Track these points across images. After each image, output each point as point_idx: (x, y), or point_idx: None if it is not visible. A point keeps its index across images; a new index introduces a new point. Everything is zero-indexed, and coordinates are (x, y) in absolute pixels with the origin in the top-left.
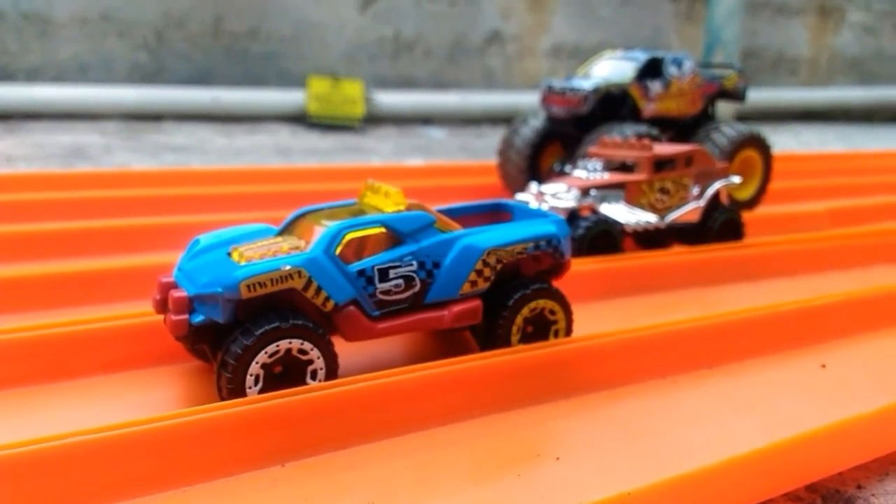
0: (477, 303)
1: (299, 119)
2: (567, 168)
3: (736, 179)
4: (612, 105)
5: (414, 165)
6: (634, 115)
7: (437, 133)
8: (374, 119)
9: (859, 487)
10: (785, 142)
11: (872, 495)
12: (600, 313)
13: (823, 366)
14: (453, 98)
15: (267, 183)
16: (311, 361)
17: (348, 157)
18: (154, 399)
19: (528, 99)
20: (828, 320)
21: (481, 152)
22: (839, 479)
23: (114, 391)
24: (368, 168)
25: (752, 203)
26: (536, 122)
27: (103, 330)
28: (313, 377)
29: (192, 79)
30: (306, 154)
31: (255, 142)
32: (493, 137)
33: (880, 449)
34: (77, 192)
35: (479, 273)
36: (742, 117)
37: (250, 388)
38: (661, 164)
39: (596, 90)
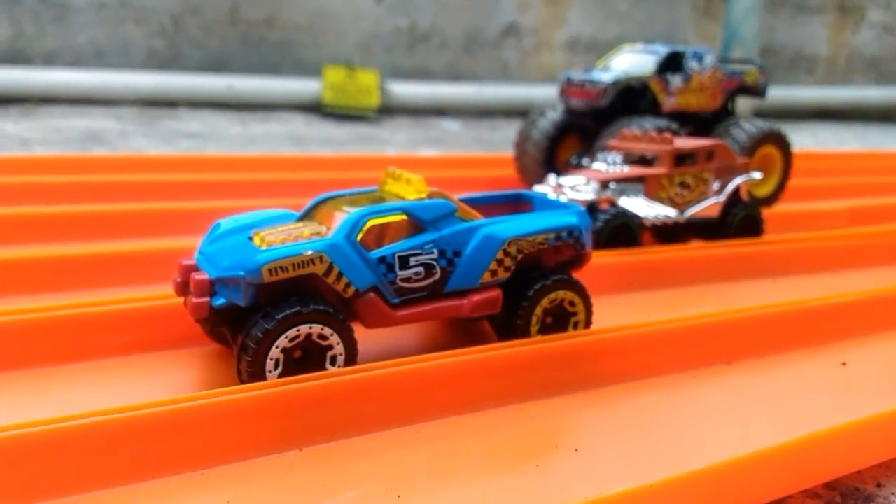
0: (497, 292)
1: (314, 108)
2: (584, 161)
3: (757, 175)
4: (632, 98)
5: (428, 156)
6: (654, 108)
7: (451, 125)
8: (389, 110)
9: (879, 486)
10: (802, 140)
11: (893, 493)
12: (618, 307)
13: (844, 363)
14: (468, 90)
15: (282, 170)
16: (330, 347)
17: (362, 146)
18: (172, 381)
19: (543, 92)
20: (849, 318)
21: (496, 144)
22: (858, 477)
23: (132, 373)
24: (384, 158)
25: (771, 200)
26: (554, 115)
27: (121, 312)
28: (333, 363)
29: (208, 66)
30: (321, 143)
31: (270, 130)
32: (507, 130)
33: None
34: (94, 176)
35: (500, 263)
36: (759, 114)
37: (270, 371)
38: (682, 159)
39: (616, 83)
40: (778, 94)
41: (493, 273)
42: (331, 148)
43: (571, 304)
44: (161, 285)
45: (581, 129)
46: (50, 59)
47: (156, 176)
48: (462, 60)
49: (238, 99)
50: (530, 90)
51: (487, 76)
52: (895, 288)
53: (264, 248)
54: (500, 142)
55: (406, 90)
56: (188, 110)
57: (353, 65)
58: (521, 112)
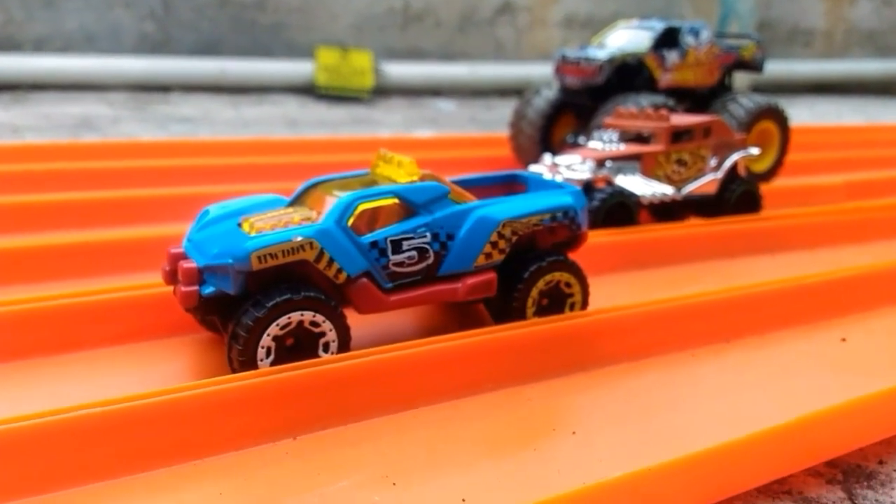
0: (491, 275)
1: (307, 90)
2: (581, 139)
3: (754, 151)
4: (628, 75)
5: (423, 137)
6: (650, 85)
7: (446, 105)
8: (383, 91)
9: (881, 462)
10: (800, 114)
11: (894, 470)
12: (616, 286)
13: (844, 339)
14: (463, 70)
15: (276, 154)
16: (323, 334)
17: (357, 128)
18: (164, 371)
19: (538, 70)
20: (848, 294)
21: (491, 124)
22: (860, 455)
23: (124, 363)
24: (377, 139)
25: (768, 175)
26: (550, 93)
27: (112, 301)
28: (325, 350)
29: (200, 49)
30: (315, 126)
31: (263, 113)
32: (502, 109)
33: None
34: (85, 163)
35: (494, 245)
36: (756, 89)
37: (262, 360)
38: (679, 135)
39: (611, 60)
40: (775, 68)
41: (488, 256)
42: (325, 130)
43: (568, 285)
44: (153, 273)
45: (577, 107)
46: (40, 45)
47: (147, 162)
48: (456, 39)
49: (230, 82)
50: (525, 69)
51: (482, 55)
52: (892, 263)
53: (253, 234)
54: (495, 121)
55: (400, 71)
56: (180, 95)
57: (346, 46)
58: (516, 91)
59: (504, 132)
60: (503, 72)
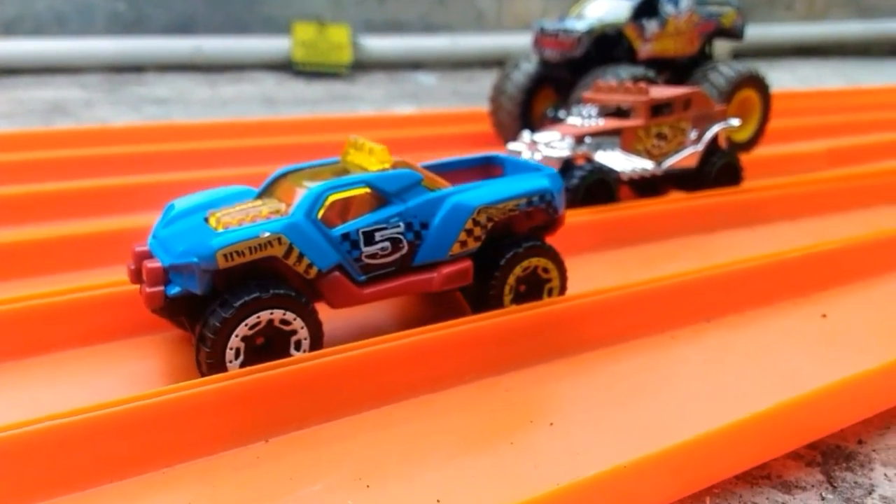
0: (467, 264)
1: (285, 67)
2: (561, 113)
3: (735, 122)
4: (607, 46)
5: (404, 114)
6: (630, 56)
7: (426, 78)
8: (362, 65)
9: (860, 442)
10: (782, 78)
11: (873, 450)
12: (596, 266)
13: (824, 315)
14: (443, 41)
15: (253, 136)
16: (294, 332)
17: (336, 105)
18: (133, 373)
19: (519, 41)
20: (828, 268)
21: (473, 97)
22: (840, 435)
23: (90, 366)
24: (357, 118)
25: (750, 144)
26: (528, 67)
27: (78, 301)
28: (297, 348)
29: (173, 27)
30: (293, 104)
31: (240, 91)
32: (484, 81)
33: (882, 404)
34: (56, 152)
35: (470, 233)
36: (738, 54)
37: (231, 361)
38: (658, 109)
39: (590, 31)
40: (757, 31)
41: (463, 244)
42: (303, 108)
43: (545, 270)
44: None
45: (556, 80)
46: (10, 29)
47: (121, 148)
48: (435, 11)
49: (206, 60)
50: (506, 39)
51: (462, 26)
52: (872, 235)
53: (220, 230)
54: (477, 94)
55: (379, 44)
56: (155, 75)
57: (323, 20)
58: (497, 62)
59: (485, 107)
60: (484, 43)
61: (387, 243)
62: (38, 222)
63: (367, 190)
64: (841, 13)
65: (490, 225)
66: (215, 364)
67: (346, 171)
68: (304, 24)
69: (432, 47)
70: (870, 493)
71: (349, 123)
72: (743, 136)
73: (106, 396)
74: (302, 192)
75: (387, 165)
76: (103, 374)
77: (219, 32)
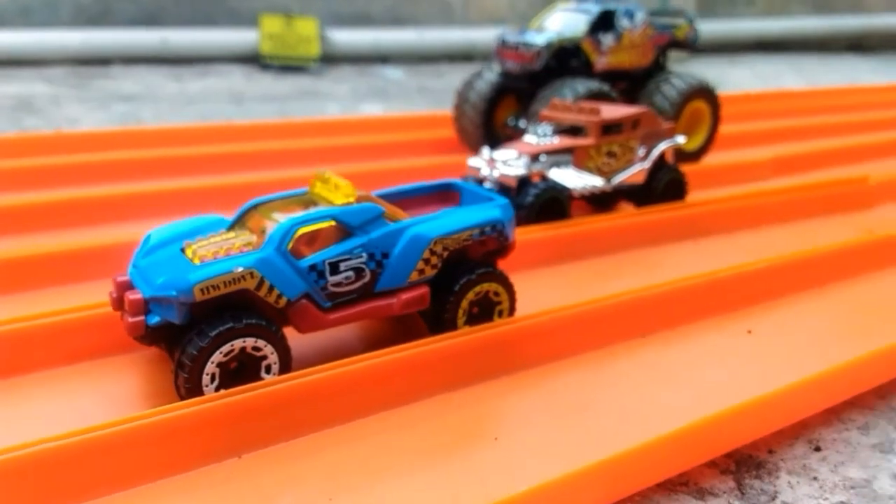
0: (424, 290)
1: (252, 60)
2: (521, 123)
3: (681, 139)
4: (566, 59)
5: (372, 117)
6: (587, 69)
7: (394, 73)
8: (330, 58)
9: (770, 452)
10: (740, 75)
11: (781, 459)
12: (546, 280)
13: (749, 331)
14: (410, 35)
15: (222, 142)
16: (265, 357)
17: (304, 102)
18: (112, 393)
19: (486, 35)
20: (754, 286)
21: (440, 94)
22: (752, 445)
23: (70, 386)
24: (325, 121)
25: (700, 153)
26: (490, 76)
27: (56, 324)
28: (268, 371)
29: (140, 19)
30: (261, 100)
31: (208, 86)
32: (451, 76)
33: (793, 417)
34: (24, 160)
35: (427, 261)
36: (700, 50)
37: (207, 386)
38: (609, 129)
39: (549, 46)
40: (719, 27)
41: (421, 272)
42: (271, 105)
43: (496, 294)
44: (96, 281)
45: (518, 90)
46: None
47: (92, 156)
48: (403, 4)
49: (173, 53)
50: (473, 33)
51: (429, 20)
52: (795, 255)
53: (197, 263)
54: (444, 90)
55: (347, 37)
56: (121, 67)
57: (290, 13)
58: (464, 56)
59: (451, 105)
60: (451, 36)
61: (351, 272)
62: (7, 235)
63: (333, 223)
64: (800, 9)
65: (446, 254)
66: (193, 388)
67: (313, 203)
68: (271, 16)
69: (400, 41)
70: (773, 499)
71: (317, 127)
72: (692, 146)
73: (87, 415)
74: (272, 224)
75: (351, 199)
76: (85, 393)
77: (185, 25)
